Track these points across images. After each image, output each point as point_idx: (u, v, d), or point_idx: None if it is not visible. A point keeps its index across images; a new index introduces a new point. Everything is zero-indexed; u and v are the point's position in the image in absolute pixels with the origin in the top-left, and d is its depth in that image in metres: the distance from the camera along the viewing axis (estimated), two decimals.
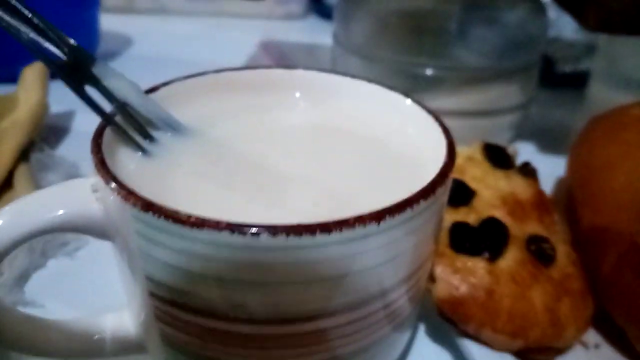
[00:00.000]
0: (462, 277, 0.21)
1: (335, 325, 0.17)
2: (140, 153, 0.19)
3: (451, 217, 0.23)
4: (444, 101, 0.39)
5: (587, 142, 0.28)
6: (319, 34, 0.64)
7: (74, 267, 0.27)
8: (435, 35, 0.39)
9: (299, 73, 0.24)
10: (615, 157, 0.25)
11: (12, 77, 0.40)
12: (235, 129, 0.22)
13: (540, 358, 0.23)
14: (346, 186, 0.19)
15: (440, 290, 0.21)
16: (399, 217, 0.15)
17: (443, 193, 0.17)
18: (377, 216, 0.15)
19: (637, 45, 0.45)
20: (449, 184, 0.18)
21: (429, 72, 0.38)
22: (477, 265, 0.22)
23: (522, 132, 0.42)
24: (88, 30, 0.51)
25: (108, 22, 0.55)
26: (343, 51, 0.41)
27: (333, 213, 0.15)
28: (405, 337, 0.21)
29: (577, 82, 0.49)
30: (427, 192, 0.16)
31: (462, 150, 0.27)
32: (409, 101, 0.22)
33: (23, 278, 0.26)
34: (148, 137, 0.20)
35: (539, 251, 0.23)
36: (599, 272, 0.24)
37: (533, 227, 0.24)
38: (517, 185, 0.25)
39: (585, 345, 0.24)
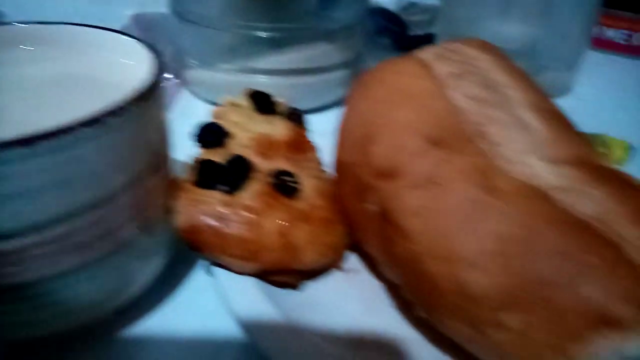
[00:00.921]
0: (199, 208, 0.24)
1: (36, 242, 0.18)
2: None
3: (204, 156, 0.26)
4: (275, 60, 0.41)
5: (353, 88, 0.30)
6: None
7: None
8: None
9: (26, 27, 0.25)
10: (353, 99, 0.27)
11: None
12: None
13: (287, 280, 0.25)
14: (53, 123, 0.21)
15: (180, 220, 0.24)
16: (54, 142, 0.17)
17: (139, 114, 0.19)
18: (26, 141, 0.17)
19: (469, 11, 0.49)
20: (147, 109, 0.20)
21: (257, 33, 0.40)
22: (215, 197, 0.24)
23: None
24: None
25: None
26: (178, 18, 0.43)
27: None
28: (147, 264, 0.23)
29: (426, 43, 0.52)
30: (90, 121, 0.18)
31: (227, 98, 0.29)
32: (126, 38, 0.24)
33: None
34: None
35: (281, 184, 0.25)
36: (342, 202, 0.27)
37: (281, 164, 0.26)
38: (276, 128, 0.28)
39: (343, 270, 0.27)
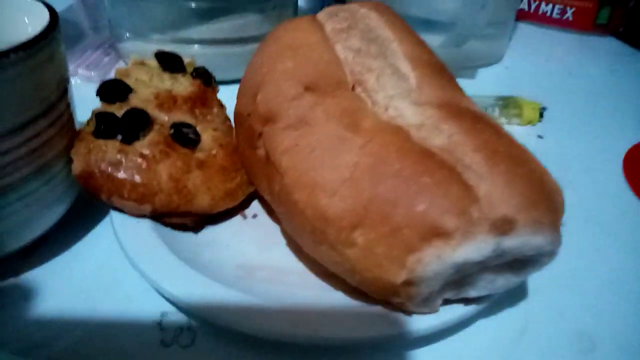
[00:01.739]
0: (94, 155, 0.25)
1: None
2: None
3: (104, 110, 0.27)
4: (205, 30, 0.42)
5: None
6: None
7: None
8: None
9: None
10: (253, 55, 0.29)
11: None
12: None
13: (184, 222, 0.27)
14: None
15: (76, 167, 0.25)
16: None
17: (26, 61, 0.21)
18: None
19: None
20: (35, 57, 0.22)
21: (192, 4, 0.41)
22: (110, 145, 0.26)
23: None
24: None
25: None
26: None
27: None
28: (44, 210, 0.25)
29: None
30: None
31: (134, 58, 0.30)
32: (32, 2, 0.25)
33: None
34: None
35: (178, 134, 0.27)
36: (239, 151, 0.28)
37: (181, 117, 0.28)
38: (180, 85, 0.29)
39: (244, 215, 0.29)
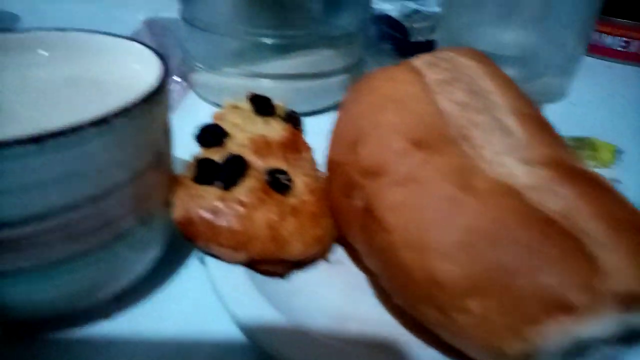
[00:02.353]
0: (194, 201, 0.26)
1: (43, 229, 0.20)
2: None
3: (203, 155, 0.27)
4: (279, 65, 0.43)
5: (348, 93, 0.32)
6: None
7: None
8: (266, 4, 0.42)
9: (43, 33, 0.27)
10: (347, 103, 0.29)
11: None
12: None
13: (275, 269, 0.27)
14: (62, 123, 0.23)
15: (176, 212, 0.25)
16: (62, 140, 0.19)
17: (143, 116, 0.21)
18: (36, 139, 0.18)
19: (469, 18, 0.50)
20: (151, 112, 0.22)
21: (263, 40, 0.42)
22: (210, 192, 0.26)
23: None
24: None
25: None
26: (187, 24, 0.45)
27: None
28: (143, 255, 0.25)
29: (428, 50, 0.54)
30: (97, 122, 0.20)
31: (228, 100, 0.31)
32: (138, 45, 0.26)
33: None
34: None
35: (273, 181, 0.27)
36: (331, 198, 0.28)
37: (275, 163, 0.28)
38: (273, 129, 0.30)
39: (328, 260, 0.29)
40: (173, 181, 0.26)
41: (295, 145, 0.30)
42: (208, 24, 0.44)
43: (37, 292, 0.22)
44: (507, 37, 0.49)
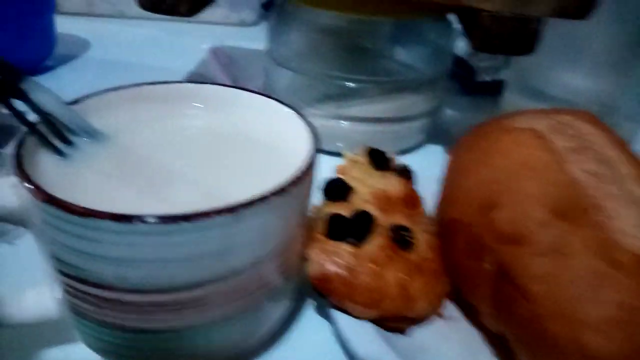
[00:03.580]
0: (330, 258, 0.26)
1: (205, 294, 0.21)
2: (60, 156, 0.24)
3: (330, 209, 0.28)
4: (362, 109, 0.43)
5: (458, 147, 0.33)
6: None
7: (12, 253, 0.31)
8: (355, 50, 0.44)
9: (199, 86, 0.28)
10: (470, 161, 0.30)
11: None
12: (142, 135, 0.26)
13: (398, 325, 0.28)
14: (226, 182, 0.24)
15: (312, 268, 0.26)
16: (252, 209, 0.20)
17: (298, 190, 0.22)
18: (232, 209, 0.19)
19: (541, 60, 0.51)
20: (304, 183, 0.22)
21: (350, 84, 0.43)
22: (343, 249, 0.27)
23: (437, 135, 0.48)
24: (44, 33, 0.55)
25: (67, 25, 0.59)
26: (274, 63, 0.46)
27: (208, 205, 0.19)
28: (281, 307, 0.26)
29: (495, 90, 0.55)
30: (279, 190, 0.21)
31: (348, 155, 0.31)
32: (287, 110, 0.27)
33: None
34: (67, 142, 0.24)
35: (399, 238, 0.28)
36: (451, 256, 0.29)
37: (398, 219, 0.29)
38: (391, 184, 0.30)
39: (443, 317, 0.30)
40: (308, 236, 0.27)
41: (413, 200, 0.30)
42: (293, 63, 0.45)
43: (203, 343, 0.23)
44: (581, 83, 0.49)
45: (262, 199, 0.20)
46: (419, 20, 0.43)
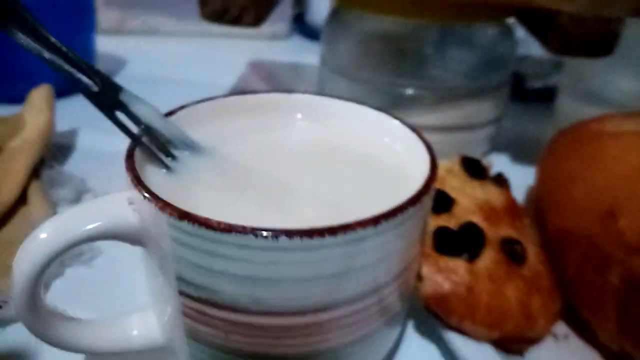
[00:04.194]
0: (445, 275, 0.24)
1: (337, 317, 0.19)
2: (164, 169, 0.22)
3: (434, 222, 0.26)
4: (424, 117, 0.42)
5: (553, 155, 0.31)
6: (303, 53, 0.68)
7: (90, 275, 0.29)
8: (414, 57, 0.42)
9: (298, 97, 0.27)
10: (576, 168, 0.28)
11: (15, 98, 0.43)
12: (244, 147, 0.24)
13: (516, 347, 0.26)
14: (343, 195, 0.22)
15: (426, 287, 0.24)
16: (392, 221, 0.18)
17: (427, 201, 0.20)
18: (374, 220, 0.18)
19: (598, 64, 0.49)
20: (432, 193, 0.21)
21: (409, 91, 0.41)
22: (458, 265, 0.25)
23: (497, 144, 0.46)
24: (85, 52, 0.53)
25: (100, 44, 0.57)
26: (329, 72, 0.45)
27: (333, 219, 0.17)
28: (396, 330, 0.24)
29: (546, 97, 0.54)
30: (414, 200, 0.19)
31: (442, 163, 0.30)
32: (395, 121, 0.25)
33: (45, 286, 0.28)
34: (170, 155, 0.22)
35: (512, 252, 0.26)
36: (565, 270, 0.27)
37: (506, 231, 0.27)
38: (491, 194, 0.28)
39: (555, 336, 0.28)
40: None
41: (516, 210, 0.28)
42: (349, 72, 0.43)
43: None
44: (638, 86, 0.48)
45: (401, 210, 0.18)
46: (477, 25, 0.42)
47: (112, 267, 0.29)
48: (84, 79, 0.21)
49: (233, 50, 0.67)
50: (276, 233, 0.17)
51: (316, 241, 0.17)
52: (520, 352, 0.26)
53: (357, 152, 0.25)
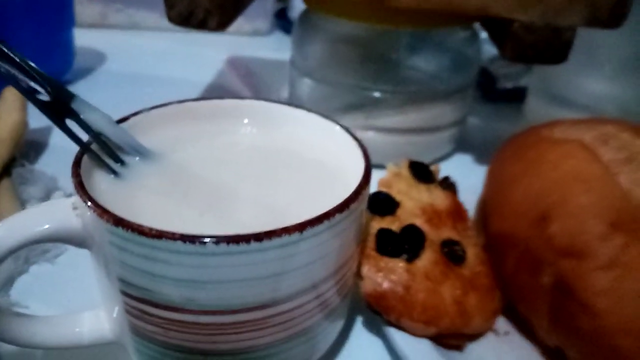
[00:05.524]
0: (384, 275, 0.26)
1: (272, 314, 0.21)
2: (112, 175, 0.23)
3: (378, 224, 0.28)
4: (390, 119, 0.43)
5: (501, 158, 0.32)
6: (284, 49, 0.68)
7: (54, 272, 0.31)
8: (381, 60, 0.43)
9: (248, 102, 0.28)
10: (518, 173, 0.29)
11: None
12: (192, 153, 0.26)
13: (453, 342, 0.27)
14: (285, 200, 0.23)
15: (366, 286, 0.26)
16: (318, 227, 0.19)
17: (358, 207, 0.22)
18: (300, 227, 0.19)
19: (565, 66, 0.50)
20: (362, 199, 0.22)
21: (376, 94, 0.43)
22: (397, 265, 0.26)
23: (465, 144, 0.47)
24: (64, 48, 0.54)
25: (82, 38, 0.58)
26: (298, 73, 0.46)
27: (271, 224, 0.19)
28: (337, 325, 0.26)
29: (517, 97, 0.55)
30: (342, 206, 0.20)
31: (390, 168, 0.31)
32: (337, 127, 0.26)
33: (8, 282, 0.29)
34: (119, 161, 0.24)
35: (450, 253, 0.27)
36: (503, 270, 0.28)
37: (447, 233, 0.28)
38: (437, 197, 0.30)
39: (496, 332, 0.29)
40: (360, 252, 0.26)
41: (460, 213, 0.30)
42: (318, 74, 0.44)
43: None
44: (605, 89, 0.49)
45: (327, 216, 0.20)
46: (444, 30, 0.43)
47: (75, 265, 0.30)
48: (35, 86, 0.22)
49: (214, 46, 0.67)
50: (203, 239, 0.18)
51: (242, 247, 0.18)
52: (458, 347, 0.27)
53: (301, 157, 0.26)
